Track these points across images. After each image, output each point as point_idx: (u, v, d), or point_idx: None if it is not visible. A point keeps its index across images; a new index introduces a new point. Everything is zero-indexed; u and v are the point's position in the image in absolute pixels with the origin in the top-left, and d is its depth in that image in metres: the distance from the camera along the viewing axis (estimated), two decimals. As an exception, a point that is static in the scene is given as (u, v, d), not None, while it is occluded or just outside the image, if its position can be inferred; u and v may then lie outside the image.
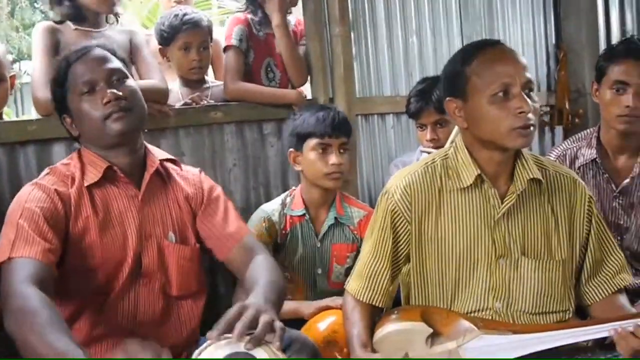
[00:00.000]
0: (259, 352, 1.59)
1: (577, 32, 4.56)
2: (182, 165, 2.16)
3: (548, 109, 4.63)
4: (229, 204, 2.13)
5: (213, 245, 2.07)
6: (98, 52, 1.98)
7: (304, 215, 2.60)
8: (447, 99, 1.97)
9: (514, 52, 1.91)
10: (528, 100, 1.83)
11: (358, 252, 2.56)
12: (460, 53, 1.99)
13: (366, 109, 3.46)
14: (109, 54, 2.00)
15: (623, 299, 2.02)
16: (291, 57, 3.09)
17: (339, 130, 2.55)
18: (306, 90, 3.31)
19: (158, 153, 2.09)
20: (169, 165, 2.10)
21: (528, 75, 1.86)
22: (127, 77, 1.99)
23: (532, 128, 1.85)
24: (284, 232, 2.57)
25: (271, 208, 2.61)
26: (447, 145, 2.44)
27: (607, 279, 2.02)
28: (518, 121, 1.83)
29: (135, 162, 2.00)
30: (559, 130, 4.59)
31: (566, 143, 2.78)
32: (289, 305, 2.31)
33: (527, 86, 1.85)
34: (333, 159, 2.53)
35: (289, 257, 2.56)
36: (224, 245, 2.05)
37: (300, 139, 2.58)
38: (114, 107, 1.90)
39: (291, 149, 2.63)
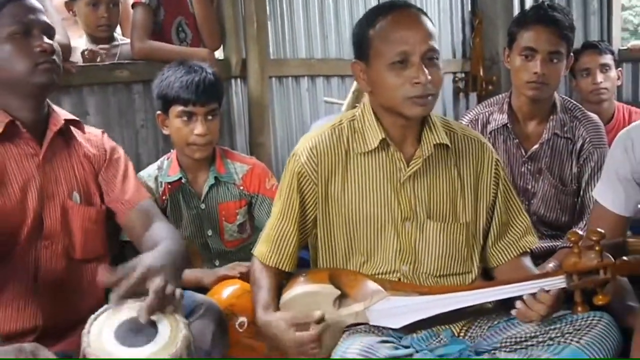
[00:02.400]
0: (158, 316, 1.54)
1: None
2: (85, 127, 2.07)
3: (463, 75, 4.67)
4: (130, 167, 2.08)
5: (112, 208, 2.01)
6: (34, 2, 1.91)
7: (180, 179, 2.48)
8: (353, 60, 1.95)
9: (419, 18, 1.87)
10: (425, 70, 1.80)
11: (249, 206, 2.54)
12: (367, 15, 1.95)
13: (280, 71, 3.41)
14: (43, 9, 1.93)
15: (527, 262, 2.05)
16: (206, 19, 2.99)
17: (205, 97, 2.40)
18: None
19: (62, 113, 2.01)
20: (72, 126, 2.01)
21: (431, 43, 1.83)
22: (54, 36, 1.93)
23: (430, 97, 1.83)
24: (163, 198, 2.46)
25: (147, 174, 2.50)
26: (344, 106, 2.41)
27: (512, 241, 2.04)
28: (413, 90, 1.81)
29: (40, 119, 1.92)
30: (473, 96, 4.64)
31: (478, 108, 2.79)
32: (189, 274, 2.24)
33: (429, 55, 1.82)
34: (198, 128, 2.39)
35: (174, 223, 2.39)
36: (121, 209, 2.00)
37: (166, 103, 2.43)
38: (48, 56, 1.84)
39: (159, 112, 2.49)
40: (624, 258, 1.75)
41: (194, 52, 2.98)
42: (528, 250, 2.06)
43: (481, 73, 4.59)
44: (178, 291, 1.59)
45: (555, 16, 2.47)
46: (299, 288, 1.90)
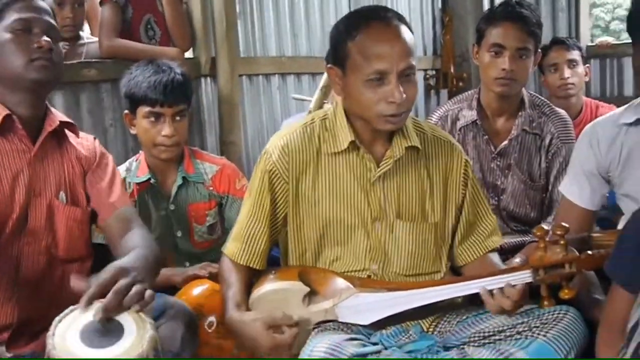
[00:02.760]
0: (124, 317, 1.53)
1: (462, -3, 4.64)
2: (80, 132, 2.08)
3: (434, 72, 4.71)
4: (117, 174, 2.07)
5: (95, 209, 2.00)
6: (41, 3, 1.93)
7: (149, 180, 2.44)
8: (329, 65, 1.94)
9: (400, 33, 1.83)
10: (401, 88, 1.79)
11: (219, 207, 2.52)
12: (346, 21, 1.91)
13: (250, 69, 3.40)
14: (51, 12, 1.96)
15: (495, 258, 2.06)
16: (176, 20, 2.97)
17: (173, 98, 2.36)
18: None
19: (58, 115, 2.02)
20: (66, 129, 2.02)
21: (409, 60, 1.81)
22: (59, 41, 1.94)
23: (403, 115, 1.84)
24: (132, 199, 2.40)
25: None
26: (312, 103, 2.41)
27: (479, 241, 2.05)
28: (388, 109, 1.81)
29: (36, 117, 1.93)
30: (444, 93, 4.68)
31: (448, 104, 2.80)
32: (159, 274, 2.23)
33: (406, 72, 1.82)
34: (165, 129, 2.36)
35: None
36: (103, 213, 1.99)
37: (133, 103, 2.39)
38: (44, 54, 1.85)
39: (126, 111, 2.45)
40: (589, 252, 1.77)
41: (163, 51, 2.96)
42: (494, 248, 2.07)
43: (452, 70, 4.63)
44: (149, 292, 1.57)
45: (522, 13, 2.49)
46: (268, 285, 1.90)
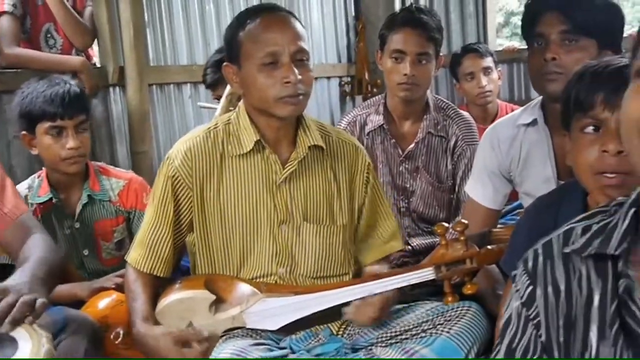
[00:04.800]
0: (19, 333, 1.48)
1: (374, 4, 4.70)
2: None
3: (349, 79, 4.75)
4: (7, 181, 1.98)
5: None
6: None
7: (51, 199, 2.36)
8: (225, 63, 1.95)
9: (288, 20, 1.89)
10: (296, 70, 1.82)
11: (127, 222, 2.48)
12: (237, 17, 1.96)
13: (161, 78, 3.36)
14: None
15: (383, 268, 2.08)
16: (65, 21, 2.91)
17: (73, 109, 2.29)
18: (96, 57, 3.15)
19: None
20: None
21: (300, 44, 1.85)
22: None
23: (301, 97, 1.85)
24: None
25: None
26: (218, 110, 2.41)
27: (378, 244, 2.08)
28: (284, 90, 1.82)
29: None
30: (359, 99, 4.72)
31: (356, 110, 2.84)
32: (65, 289, 2.17)
33: (299, 56, 1.84)
34: (70, 142, 2.29)
35: None
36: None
37: (31, 121, 2.30)
38: None
39: (23, 132, 2.35)
40: (488, 247, 1.83)
41: (67, 59, 2.90)
42: (392, 253, 2.12)
43: (366, 76, 4.69)
44: (40, 301, 1.52)
45: (422, 19, 2.54)
46: (174, 295, 1.88)
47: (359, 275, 2.05)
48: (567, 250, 0.98)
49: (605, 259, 0.95)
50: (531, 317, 1.00)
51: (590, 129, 1.45)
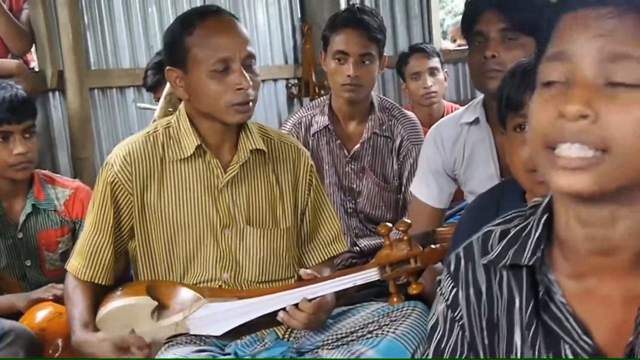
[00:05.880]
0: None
1: (319, 6, 4.70)
2: None
3: (296, 81, 4.74)
4: None
5: None
6: None
7: None
8: (168, 67, 1.90)
9: (236, 25, 1.86)
10: (247, 75, 1.80)
11: (72, 232, 2.42)
12: (180, 21, 1.90)
13: (102, 82, 3.31)
14: None
15: (328, 270, 2.06)
16: (1, 25, 2.82)
17: (20, 114, 2.25)
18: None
19: None
20: None
21: (249, 49, 1.83)
22: None
23: (251, 104, 1.83)
24: None
25: None
26: (157, 111, 2.36)
27: (321, 246, 2.07)
28: (237, 97, 1.80)
29: None
30: (306, 101, 4.71)
31: (301, 111, 2.82)
32: (1, 299, 2.13)
33: (248, 61, 1.82)
34: (18, 147, 2.24)
35: None
36: None
37: None
38: None
39: None
40: (432, 246, 1.82)
41: (3, 63, 2.83)
42: (336, 255, 2.10)
43: (313, 78, 4.68)
44: None
45: (363, 19, 2.53)
46: (115, 303, 1.83)
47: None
48: (484, 261, 0.98)
49: (521, 267, 0.95)
50: (457, 318, 1.00)
51: (522, 127, 1.46)
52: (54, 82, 3.09)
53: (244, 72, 1.80)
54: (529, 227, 0.96)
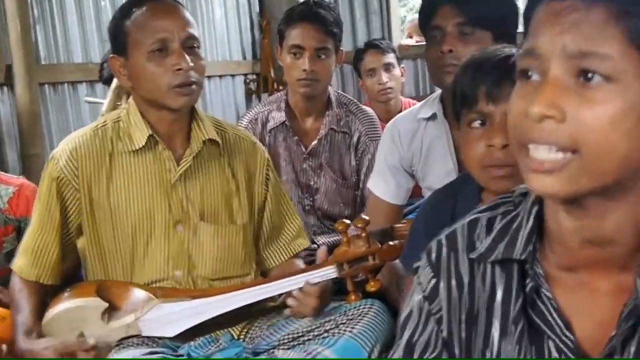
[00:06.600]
0: None
1: (278, 0, 4.63)
2: None
3: (254, 77, 4.69)
4: None
5: None
6: None
7: None
8: (110, 56, 1.85)
9: (176, 7, 1.83)
10: (187, 57, 1.76)
11: (17, 232, 2.34)
12: (121, 7, 1.87)
13: (53, 77, 3.23)
14: None
15: (299, 262, 2.05)
16: None
17: None
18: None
19: None
20: None
21: (190, 31, 1.79)
22: None
23: (194, 86, 1.79)
24: None
25: None
26: (105, 105, 2.31)
27: (285, 244, 2.04)
28: (176, 78, 1.75)
29: None
30: (265, 97, 4.66)
31: (258, 107, 2.78)
32: None
33: (189, 43, 1.78)
34: None
35: None
36: None
37: None
38: None
39: None
40: (390, 243, 1.80)
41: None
42: (300, 251, 2.07)
43: (272, 74, 4.64)
44: None
45: (319, 13, 2.50)
46: (62, 304, 1.76)
47: (265, 276, 1.99)
48: (473, 256, 0.94)
49: (512, 260, 0.92)
50: (433, 311, 0.96)
51: (477, 123, 1.43)
52: (1, 77, 3.00)
53: (184, 53, 1.76)
54: (519, 219, 0.93)
